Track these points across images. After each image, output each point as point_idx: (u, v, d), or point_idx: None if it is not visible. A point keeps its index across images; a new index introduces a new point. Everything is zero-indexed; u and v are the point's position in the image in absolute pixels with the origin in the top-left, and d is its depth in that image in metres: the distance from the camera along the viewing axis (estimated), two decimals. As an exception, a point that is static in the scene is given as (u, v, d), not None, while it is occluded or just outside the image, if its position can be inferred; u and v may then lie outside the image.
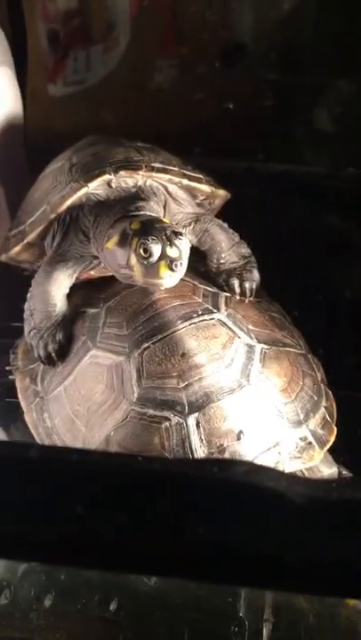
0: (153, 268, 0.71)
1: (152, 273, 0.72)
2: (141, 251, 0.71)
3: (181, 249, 0.71)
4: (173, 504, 0.45)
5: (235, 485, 0.46)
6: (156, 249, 0.71)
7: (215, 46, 1.29)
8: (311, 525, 0.45)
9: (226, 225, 0.89)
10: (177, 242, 0.71)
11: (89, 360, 0.80)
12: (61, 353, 0.84)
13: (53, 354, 0.83)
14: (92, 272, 0.86)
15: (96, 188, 0.82)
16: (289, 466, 0.75)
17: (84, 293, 0.89)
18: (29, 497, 0.46)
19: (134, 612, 0.80)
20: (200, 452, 0.73)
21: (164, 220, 0.77)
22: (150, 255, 0.71)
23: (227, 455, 0.73)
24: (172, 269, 0.71)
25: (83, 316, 0.86)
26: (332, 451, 0.81)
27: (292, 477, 0.47)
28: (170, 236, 0.71)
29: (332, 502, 0.45)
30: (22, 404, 0.87)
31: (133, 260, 0.73)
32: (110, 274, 0.84)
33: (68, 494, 0.46)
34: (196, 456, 0.72)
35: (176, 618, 0.78)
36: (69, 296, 0.86)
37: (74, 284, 0.85)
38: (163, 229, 0.72)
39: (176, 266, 0.71)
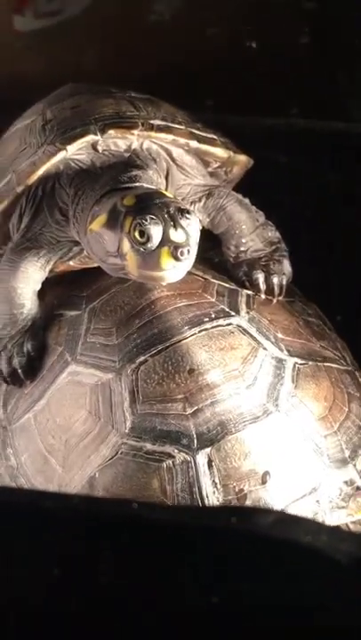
0: (152, 256, 0.72)
1: (150, 263, 0.73)
2: (137, 234, 0.72)
3: (189, 232, 0.72)
4: (178, 565, 0.46)
5: (259, 540, 0.47)
6: (155, 232, 0.72)
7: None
8: (356, 590, 0.46)
9: (247, 201, 0.90)
10: (183, 222, 0.72)
11: (67, 378, 0.82)
12: (31, 369, 0.85)
13: (20, 370, 0.85)
14: (70, 262, 0.87)
15: (77, 151, 0.83)
16: (330, 518, 0.76)
17: (60, 290, 0.90)
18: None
19: None
20: (213, 499, 0.74)
21: (167, 193, 0.79)
22: (148, 240, 0.72)
23: (248, 503, 0.74)
24: (176, 258, 0.72)
25: (59, 320, 0.87)
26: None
27: (334, 531, 0.48)
28: (174, 215, 0.72)
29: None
30: (-22, 435, 0.88)
31: (126, 245, 0.74)
32: (95, 265, 0.85)
33: (40, 551, 0.47)
34: (207, 505, 0.73)
35: None
36: (42, 294, 0.87)
37: (47, 279, 0.87)
38: (164, 206, 0.73)
39: (182, 254, 0.72)
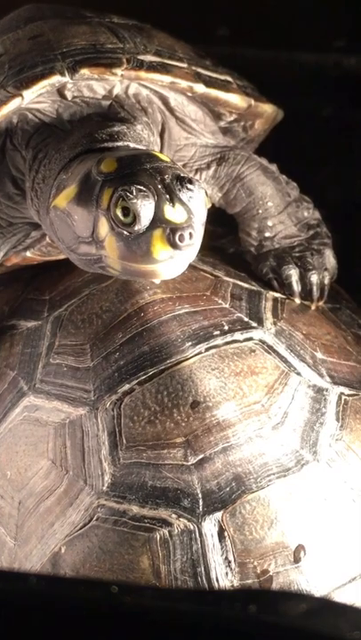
0: (140, 242, 0.72)
1: (138, 252, 0.73)
2: (119, 211, 0.73)
3: (192, 208, 0.73)
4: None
5: (289, 635, 0.47)
6: (145, 208, 0.72)
7: None
8: None
9: (275, 167, 0.91)
10: (184, 195, 0.73)
11: (22, 414, 0.82)
12: None
13: None
14: (27, 253, 0.88)
15: (38, 99, 0.84)
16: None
17: (12, 292, 0.92)
18: None
19: None
20: (225, 583, 0.74)
21: (161, 156, 0.79)
22: (135, 219, 0.72)
23: (275, 588, 0.73)
24: (174, 245, 0.72)
25: (11, 333, 0.88)
26: None
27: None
28: (170, 186, 0.73)
29: None
30: None
31: (105, 227, 0.74)
32: (62, 256, 0.86)
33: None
34: (217, 589, 0.73)
35: None
36: (-13, 297, 0.88)
37: (-5, 276, 0.88)
38: (158, 172, 0.74)
39: (182, 238, 0.72)
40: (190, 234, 0.72)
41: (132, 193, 0.72)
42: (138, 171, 0.74)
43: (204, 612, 0.48)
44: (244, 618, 0.48)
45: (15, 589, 0.51)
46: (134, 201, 0.71)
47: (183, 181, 0.73)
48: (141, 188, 0.72)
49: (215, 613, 0.48)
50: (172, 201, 0.72)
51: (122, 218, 0.72)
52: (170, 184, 0.73)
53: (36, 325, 0.86)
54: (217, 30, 1.30)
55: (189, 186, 0.73)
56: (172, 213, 0.72)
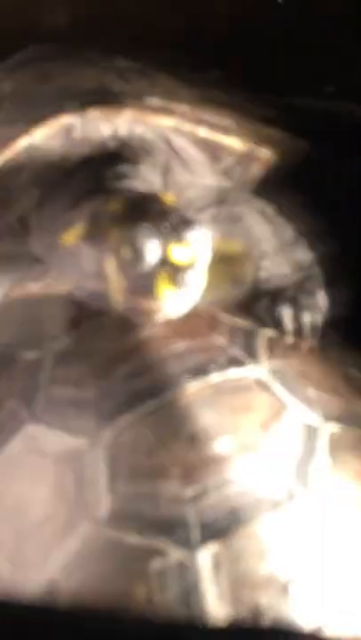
0: (145, 281, 0.74)
1: (144, 290, 0.75)
2: (125, 250, 0.74)
3: (196, 249, 0.75)
4: None
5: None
6: (151, 248, 0.74)
7: None
8: None
9: (271, 210, 0.93)
10: (189, 236, 0.74)
11: (21, 444, 0.83)
12: None
13: None
14: (31, 286, 0.89)
15: (46, 138, 0.85)
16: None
17: (13, 324, 0.92)
18: None
19: None
20: (218, 614, 0.74)
21: (166, 197, 0.81)
22: (141, 259, 0.74)
23: (266, 622, 0.74)
24: (178, 285, 0.74)
25: (11, 363, 0.89)
26: None
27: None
28: (176, 227, 0.74)
29: None
30: None
31: (111, 265, 0.76)
32: (65, 290, 0.87)
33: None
34: (210, 620, 0.73)
35: None
36: (-11, 328, 0.89)
37: (-3, 307, 0.89)
38: (164, 214, 0.75)
39: (186, 279, 0.74)
40: (194, 275, 0.73)
41: (138, 233, 0.73)
42: (144, 212, 0.75)
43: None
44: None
45: (16, 617, 0.52)
46: (140, 241, 0.73)
47: (188, 223, 0.74)
48: (148, 228, 0.73)
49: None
50: (177, 242, 0.73)
51: (128, 257, 0.74)
52: (175, 225, 0.74)
53: (37, 357, 0.87)
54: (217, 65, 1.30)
55: (194, 228, 0.74)
56: (177, 254, 0.74)
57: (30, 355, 0.88)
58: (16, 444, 0.83)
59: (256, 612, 0.74)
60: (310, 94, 1.29)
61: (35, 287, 0.89)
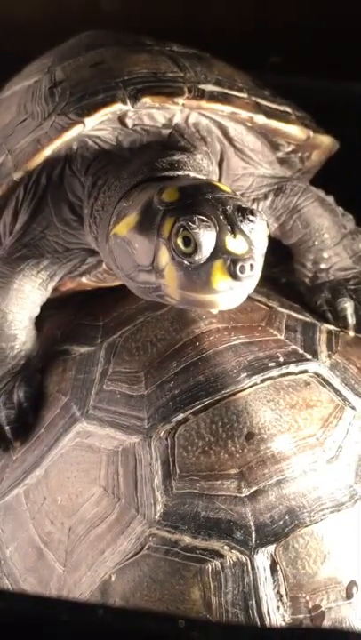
0: (200, 272, 0.73)
1: (198, 282, 0.73)
2: (180, 241, 0.73)
3: (253, 239, 0.73)
4: None
5: None
6: (206, 238, 0.72)
7: None
8: None
9: (331, 199, 0.92)
10: (245, 226, 0.73)
11: (74, 440, 0.82)
12: (22, 426, 0.86)
13: (7, 427, 0.86)
14: (83, 279, 0.89)
15: (99, 126, 0.85)
16: None
17: (66, 318, 0.92)
18: None
19: None
20: (277, 617, 0.73)
21: (221, 186, 0.79)
22: (196, 249, 0.72)
23: (327, 624, 0.73)
24: (234, 276, 0.72)
25: (64, 358, 0.88)
26: None
27: None
28: (232, 216, 0.73)
29: None
30: None
31: (165, 257, 0.74)
32: (117, 283, 0.86)
33: None
34: (269, 623, 0.73)
35: None
36: (40, 321, 0.89)
37: (49, 300, 0.88)
38: (219, 203, 0.74)
39: (243, 270, 0.72)
40: (251, 265, 0.72)
41: (193, 223, 0.72)
42: (200, 201, 0.74)
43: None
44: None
45: (82, 620, 0.51)
46: (196, 231, 0.72)
47: (245, 212, 0.73)
48: (203, 218, 0.72)
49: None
50: (233, 232, 0.72)
51: (183, 247, 0.72)
52: (231, 215, 0.73)
53: (90, 351, 0.87)
54: (270, 57, 1.30)
55: (251, 217, 0.73)
56: (234, 244, 0.72)
57: (83, 349, 0.88)
58: (69, 441, 0.83)
59: (316, 615, 0.74)
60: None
61: (88, 280, 0.90)
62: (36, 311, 0.87)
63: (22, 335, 0.86)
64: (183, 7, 1.34)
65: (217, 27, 1.22)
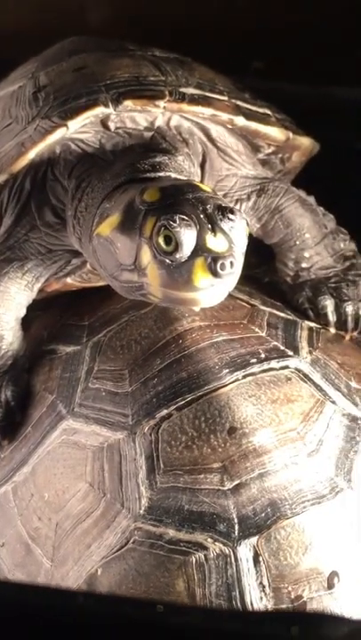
0: (181, 270, 0.73)
1: (180, 280, 0.74)
2: (161, 240, 0.73)
3: (233, 238, 0.74)
4: None
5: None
6: (187, 237, 0.73)
7: None
8: None
9: (312, 200, 0.92)
10: (225, 225, 0.74)
11: (60, 437, 0.83)
12: (9, 424, 0.87)
13: (-5, 425, 0.87)
14: (68, 280, 0.90)
15: (81, 129, 0.85)
16: None
17: (52, 318, 0.93)
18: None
19: None
20: (260, 607, 0.74)
21: (203, 186, 0.80)
22: (177, 248, 0.73)
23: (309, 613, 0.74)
24: (215, 274, 0.73)
25: (50, 357, 0.89)
26: None
27: None
28: (212, 215, 0.74)
29: None
30: None
31: (147, 255, 0.75)
32: (102, 283, 0.87)
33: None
34: (251, 613, 0.73)
35: None
36: (27, 322, 0.89)
37: (35, 301, 0.89)
38: (200, 202, 0.74)
39: (223, 267, 0.73)
40: (231, 263, 0.72)
41: (174, 222, 0.73)
42: (180, 200, 0.75)
43: (249, 632, 0.48)
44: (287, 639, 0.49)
45: (62, 606, 0.51)
46: (177, 230, 0.72)
47: (225, 211, 0.74)
48: (184, 217, 0.73)
49: (259, 634, 0.49)
50: (213, 230, 0.73)
51: (164, 246, 0.73)
52: (212, 214, 0.73)
53: (75, 350, 0.87)
54: (252, 63, 1.31)
55: (231, 216, 0.74)
56: (214, 242, 0.73)
57: (68, 349, 0.88)
58: (55, 438, 0.84)
59: (298, 605, 0.74)
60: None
61: (72, 280, 0.90)
62: (23, 312, 0.88)
63: (9, 336, 0.87)
64: (171, 9, 1.35)
65: (209, 27, 1.22)
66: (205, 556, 0.75)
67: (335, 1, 1.35)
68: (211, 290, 0.74)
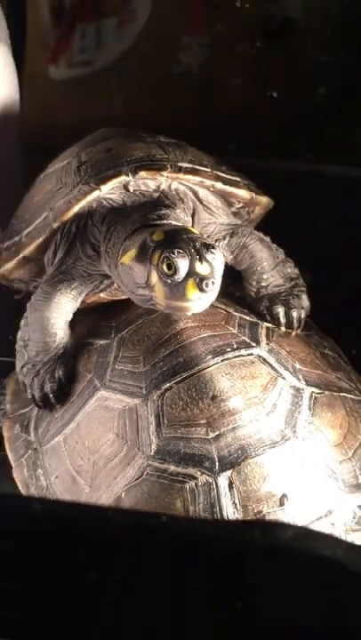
0: (178, 287, 0.74)
1: (177, 294, 0.75)
2: (164, 266, 0.74)
3: (214, 265, 0.74)
4: (206, 573, 0.47)
5: (280, 553, 0.48)
6: (182, 264, 0.74)
7: (257, 21, 1.34)
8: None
9: (268, 239, 0.93)
10: (208, 256, 0.74)
11: (96, 403, 0.83)
12: (61, 394, 0.86)
13: (51, 395, 0.86)
14: (101, 294, 0.90)
15: (110, 191, 0.86)
16: (345, 540, 0.76)
17: (90, 321, 0.93)
18: (27, 564, 0.48)
19: None
20: (233, 518, 0.74)
21: (193, 229, 0.81)
22: (175, 272, 0.74)
23: (266, 521, 0.74)
24: (201, 290, 0.74)
25: (89, 348, 0.89)
26: None
27: (351, 546, 0.49)
28: (200, 249, 0.74)
29: None
30: (10, 456, 0.90)
31: (154, 277, 0.76)
32: (124, 296, 0.87)
33: (76, 559, 0.48)
34: (227, 522, 0.73)
35: None
36: (73, 324, 0.89)
37: (79, 310, 0.89)
38: (191, 241, 0.75)
39: (207, 285, 0.74)
40: (213, 282, 0.74)
41: (174, 254, 0.73)
42: (178, 239, 0.75)
43: (226, 535, 0.49)
44: (250, 539, 0.49)
45: (97, 517, 0.52)
46: (175, 259, 0.73)
47: (208, 247, 0.75)
48: (180, 250, 0.74)
49: (233, 536, 0.49)
50: (200, 260, 0.74)
51: (166, 271, 0.74)
52: (199, 248, 0.74)
53: (106, 343, 0.87)
54: (229, 146, 1.32)
55: (212, 250, 0.75)
56: (201, 268, 0.74)
57: (102, 342, 0.88)
58: (92, 404, 0.84)
59: (259, 517, 0.75)
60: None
61: (105, 295, 0.90)
62: (70, 317, 0.88)
63: (61, 333, 0.87)
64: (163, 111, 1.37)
65: (198, 122, 1.23)
66: (196, 484, 0.76)
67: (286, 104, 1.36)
68: (199, 301, 0.75)
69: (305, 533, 0.49)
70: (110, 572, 0.48)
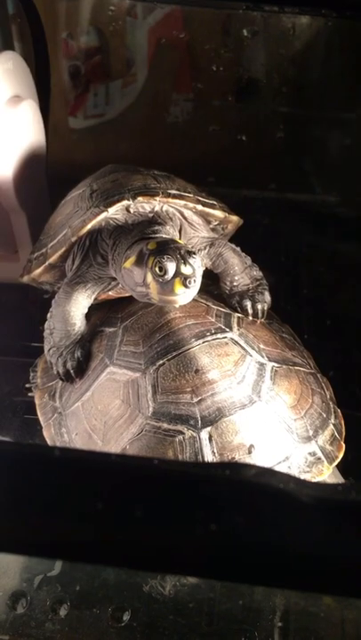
0: (168, 285, 0.74)
1: (167, 290, 0.75)
2: (157, 269, 0.74)
3: (195, 267, 0.75)
4: (187, 502, 0.48)
5: (245, 486, 0.49)
6: (170, 266, 0.74)
7: (229, 81, 1.35)
8: (317, 524, 0.47)
9: (239, 249, 0.93)
10: (190, 260, 0.75)
11: (106, 376, 0.83)
12: (79, 370, 0.86)
13: (72, 371, 0.86)
14: (110, 293, 0.89)
15: (115, 212, 0.86)
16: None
17: (102, 313, 0.93)
18: (51, 494, 0.49)
19: (148, 622, 0.81)
20: (212, 462, 0.75)
21: (179, 240, 0.81)
22: (165, 273, 0.74)
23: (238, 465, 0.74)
24: (186, 286, 0.74)
25: (101, 334, 0.89)
26: (340, 467, 0.83)
27: (300, 481, 0.50)
28: (184, 255, 0.75)
29: (338, 502, 0.48)
30: (41, 419, 0.90)
31: (149, 277, 0.76)
32: (127, 294, 0.87)
33: (90, 492, 0.49)
34: (208, 464, 0.74)
35: (190, 628, 0.80)
36: (88, 316, 0.89)
37: (92, 305, 0.89)
38: (177, 249, 0.76)
39: (190, 282, 0.74)
40: (194, 280, 0.74)
41: (164, 259, 0.74)
42: (167, 248, 0.76)
43: (207, 472, 0.49)
44: (222, 476, 0.50)
45: (107, 462, 0.52)
46: (165, 263, 0.74)
47: (190, 253, 0.75)
48: (169, 256, 0.74)
49: (211, 472, 0.50)
50: (184, 263, 0.74)
51: (158, 272, 0.74)
52: (183, 254, 0.74)
53: (115, 330, 0.87)
54: (207, 178, 1.32)
55: (193, 255, 0.75)
56: (185, 269, 0.74)
57: (110, 329, 0.88)
58: (103, 377, 0.83)
59: (232, 462, 0.75)
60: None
61: (112, 293, 0.90)
62: (85, 310, 0.87)
63: (79, 323, 0.87)
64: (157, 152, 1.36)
65: (184, 162, 1.23)
66: (183, 437, 0.76)
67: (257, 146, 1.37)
68: (184, 295, 0.75)
69: (265, 471, 0.50)
70: (114, 501, 0.48)
